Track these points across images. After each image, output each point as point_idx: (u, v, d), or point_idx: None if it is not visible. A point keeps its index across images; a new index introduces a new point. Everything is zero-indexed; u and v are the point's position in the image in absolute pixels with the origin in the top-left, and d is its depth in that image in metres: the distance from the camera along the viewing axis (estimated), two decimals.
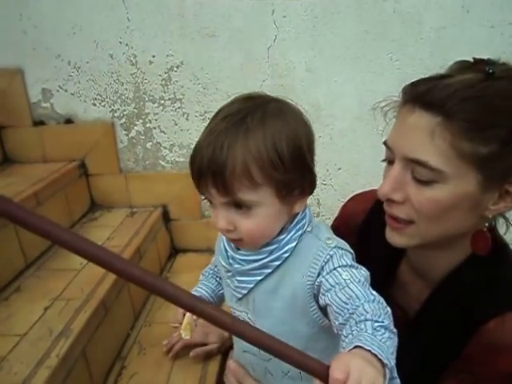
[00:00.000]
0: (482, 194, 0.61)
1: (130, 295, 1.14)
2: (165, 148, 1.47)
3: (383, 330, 0.50)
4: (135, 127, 1.46)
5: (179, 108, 1.41)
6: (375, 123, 1.33)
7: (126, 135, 1.47)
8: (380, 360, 0.45)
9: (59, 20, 1.35)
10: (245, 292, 0.67)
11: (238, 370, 0.78)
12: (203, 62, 1.36)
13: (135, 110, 1.44)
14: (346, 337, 0.51)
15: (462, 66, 0.64)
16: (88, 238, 0.39)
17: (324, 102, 1.37)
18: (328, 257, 0.60)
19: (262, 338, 0.45)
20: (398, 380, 0.48)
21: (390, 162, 0.67)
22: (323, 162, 1.42)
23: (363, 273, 0.59)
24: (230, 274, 0.69)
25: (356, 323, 0.51)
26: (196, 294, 0.82)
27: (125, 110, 1.44)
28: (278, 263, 0.64)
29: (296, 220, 0.65)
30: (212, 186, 0.59)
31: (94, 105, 1.44)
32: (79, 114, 1.45)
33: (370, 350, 0.45)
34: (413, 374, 0.58)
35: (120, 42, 1.36)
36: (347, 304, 0.54)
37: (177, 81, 1.39)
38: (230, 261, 0.68)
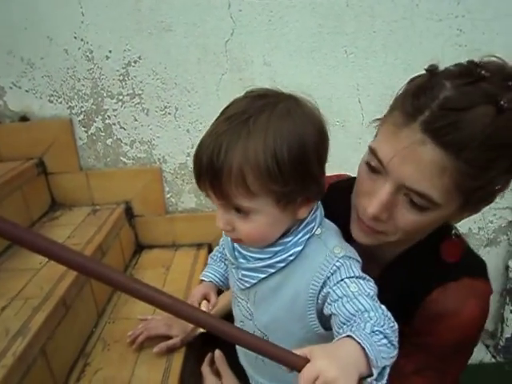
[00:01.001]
0: (458, 212, 0.63)
1: (92, 292, 1.14)
2: (125, 144, 1.46)
3: (382, 336, 0.50)
4: (94, 124, 1.44)
5: (138, 103, 1.40)
6: (331, 115, 1.37)
7: (86, 132, 1.45)
8: (367, 357, 0.45)
9: (9, 14, 1.31)
10: (248, 285, 0.68)
11: (221, 360, 0.80)
12: (161, 57, 1.35)
13: (93, 107, 1.41)
14: (343, 332, 0.51)
15: (466, 80, 0.57)
16: (42, 234, 0.39)
17: None
18: (335, 268, 0.59)
19: (219, 326, 0.46)
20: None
21: (373, 169, 0.63)
22: None
23: (371, 285, 0.58)
24: (234, 265, 0.70)
25: (357, 324, 0.52)
26: (205, 279, 0.82)
27: (83, 107, 1.41)
28: (282, 265, 0.63)
29: (304, 223, 0.63)
30: (209, 189, 0.58)
31: (51, 101, 1.41)
32: (35, 111, 1.41)
33: (359, 343, 0.46)
34: None
35: (75, 38, 1.33)
36: (355, 316, 0.54)
37: (135, 76, 1.37)
38: (236, 253, 0.68)
